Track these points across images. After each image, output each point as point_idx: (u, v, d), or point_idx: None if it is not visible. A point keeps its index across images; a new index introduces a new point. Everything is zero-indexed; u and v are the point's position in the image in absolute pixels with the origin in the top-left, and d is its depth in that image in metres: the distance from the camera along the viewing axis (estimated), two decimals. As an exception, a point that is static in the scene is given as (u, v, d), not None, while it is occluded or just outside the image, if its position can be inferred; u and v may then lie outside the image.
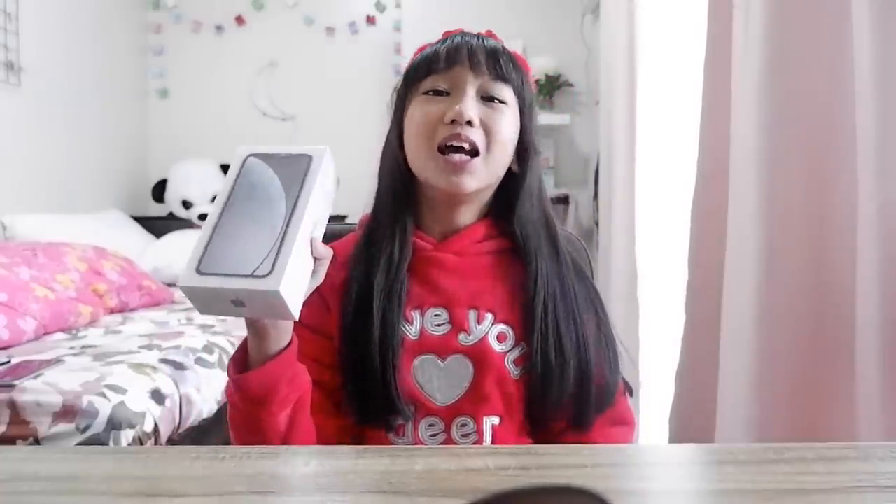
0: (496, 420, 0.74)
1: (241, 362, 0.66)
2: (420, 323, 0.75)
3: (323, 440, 0.72)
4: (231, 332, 1.89)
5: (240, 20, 3.41)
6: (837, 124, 0.99)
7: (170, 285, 2.54)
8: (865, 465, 0.53)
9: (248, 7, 3.40)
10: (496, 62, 0.75)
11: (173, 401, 1.42)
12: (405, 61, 0.84)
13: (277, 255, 0.56)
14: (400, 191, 0.78)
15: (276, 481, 0.51)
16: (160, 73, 3.46)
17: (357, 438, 0.76)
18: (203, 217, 3.10)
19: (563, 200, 2.90)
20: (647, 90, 1.99)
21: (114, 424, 1.24)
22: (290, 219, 0.59)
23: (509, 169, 0.78)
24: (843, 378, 0.97)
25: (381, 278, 0.74)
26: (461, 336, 0.74)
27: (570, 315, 0.75)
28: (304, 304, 0.62)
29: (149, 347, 1.61)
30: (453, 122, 0.72)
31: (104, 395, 1.27)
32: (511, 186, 0.79)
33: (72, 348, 1.60)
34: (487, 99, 0.75)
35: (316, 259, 0.63)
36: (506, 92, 0.75)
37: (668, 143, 1.91)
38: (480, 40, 0.77)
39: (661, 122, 1.94)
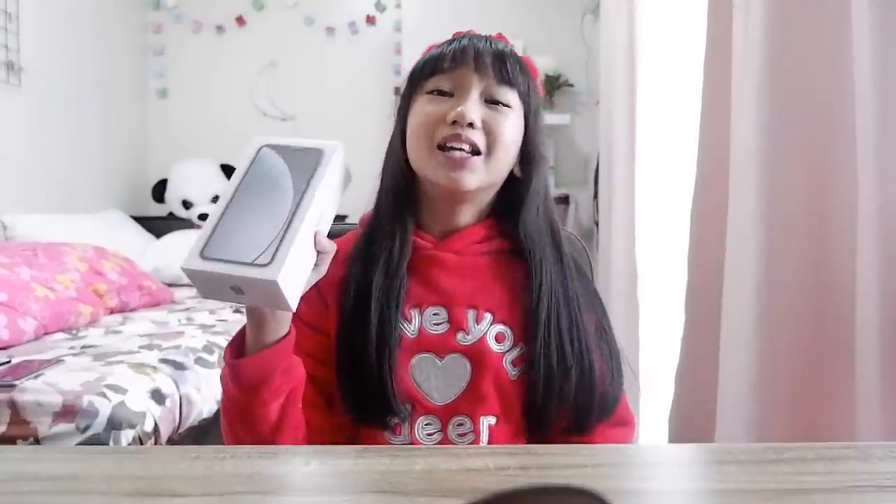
0: (493, 420, 0.74)
1: (238, 348, 0.67)
2: (418, 321, 0.75)
3: (312, 435, 0.73)
4: (231, 331, 1.88)
5: (240, 20, 3.41)
6: (837, 124, 0.99)
7: (170, 285, 2.54)
8: (865, 465, 0.53)
9: (249, 7, 3.41)
10: (502, 65, 0.74)
11: (173, 401, 1.42)
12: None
13: (279, 245, 0.57)
14: (401, 189, 0.78)
15: (276, 481, 0.51)
16: (160, 73, 3.46)
17: (352, 438, 0.76)
18: (203, 217, 3.11)
19: (563, 200, 2.91)
20: (647, 90, 2.00)
21: (114, 424, 1.24)
22: (295, 211, 0.59)
23: (511, 172, 0.78)
24: (843, 378, 0.97)
25: (379, 276, 0.74)
26: (459, 335, 0.74)
27: (572, 322, 0.75)
28: (302, 299, 0.62)
29: (149, 347, 1.61)
30: (455, 122, 0.72)
31: (104, 395, 1.27)
32: (514, 190, 0.79)
33: (72, 348, 1.60)
34: (491, 102, 0.74)
35: (319, 253, 0.64)
36: (511, 96, 0.75)
37: (668, 143, 1.91)
38: (488, 43, 0.76)
39: (661, 122, 1.94)
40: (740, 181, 1.15)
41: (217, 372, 1.62)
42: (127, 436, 1.24)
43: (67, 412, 1.23)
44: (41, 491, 0.48)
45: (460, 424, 0.74)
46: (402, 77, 3.30)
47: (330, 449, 0.58)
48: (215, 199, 3.15)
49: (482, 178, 0.74)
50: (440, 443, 0.74)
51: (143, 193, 3.36)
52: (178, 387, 1.45)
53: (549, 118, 2.86)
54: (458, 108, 0.72)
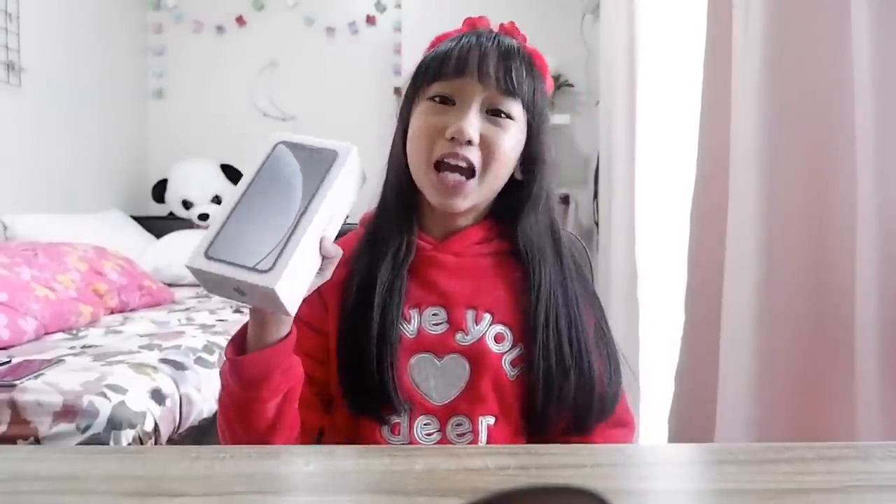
0: (491, 420, 0.74)
1: (240, 345, 0.67)
2: (418, 322, 0.75)
3: (306, 434, 0.73)
4: (231, 332, 1.88)
5: (240, 20, 3.41)
6: (837, 124, 0.99)
7: (170, 285, 2.54)
8: (865, 465, 0.53)
9: (249, 7, 3.41)
10: (507, 73, 0.73)
11: (173, 401, 1.42)
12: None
13: (282, 251, 0.57)
14: (404, 190, 0.78)
15: (276, 481, 0.51)
16: (160, 74, 3.46)
17: (351, 439, 0.76)
18: (203, 217, 3.11)
19: (564, 200, 2.91)
20: (647, 90, 1.99)
21: (114, 424, 1.24)
22: (302, 215, 0.59)
23: (512, 175, 0.78)
24: (842, 378, 0.97)
25: (384, 273, 0.74)
26: (458, 336, 0.74)
27: (571, 323, 0.75)
28: (303, 300, 0.62)
29: (149, 347, 1.61)
30: (453, 138, 0.71)
31: (104, 395, 1.27)
32: (514, 192, 0.79)
33: (72, 348, 1.60)
34: (493, 112, 0.74)
35: (324, 258, 0.63)
36: (513, 107, 0.74)
37: (667, 143, 1.91)
38: (496, 42, 0.75)
39: (661, 122, 1.94)
40: (740, 181, 1.15)
41: (217, 372, 1.62)
42: (127, 436, 1.24)
43: (68, 412, 1.23)
44: (41, 491, 0.48)
45: (459, 424, 0.74)
46: (402, 77, 3.30)
47: (330, 449, 0.58)
48: (215, 199, 3.15)
49: (475, 199, 0.75)
50: (439, 443, 0.74)
51: (144, 193, 3.36)
52: (178, 387, 1.45)
53: (550, 118, 2.86)
54: (458, 125, 0.71)
